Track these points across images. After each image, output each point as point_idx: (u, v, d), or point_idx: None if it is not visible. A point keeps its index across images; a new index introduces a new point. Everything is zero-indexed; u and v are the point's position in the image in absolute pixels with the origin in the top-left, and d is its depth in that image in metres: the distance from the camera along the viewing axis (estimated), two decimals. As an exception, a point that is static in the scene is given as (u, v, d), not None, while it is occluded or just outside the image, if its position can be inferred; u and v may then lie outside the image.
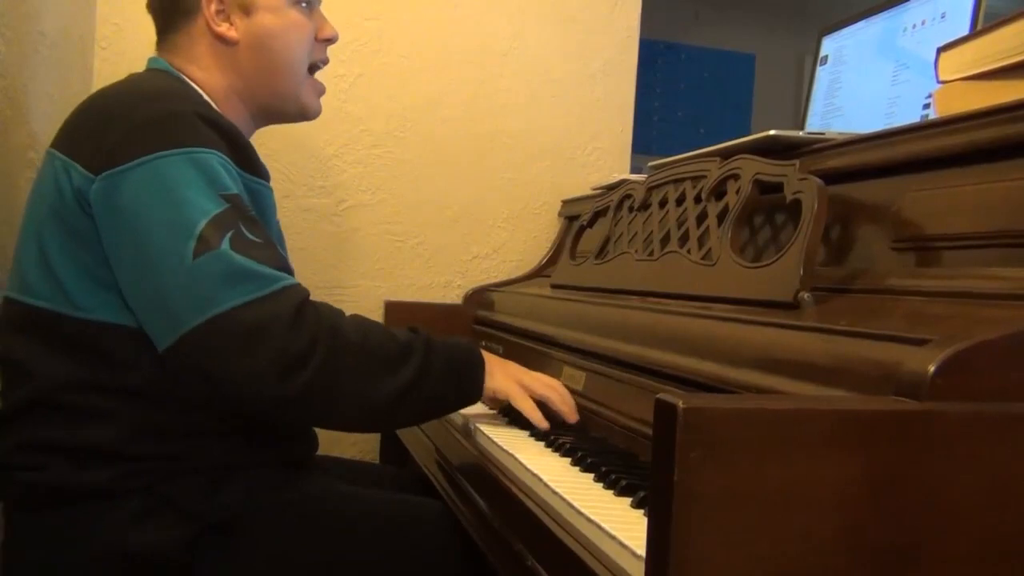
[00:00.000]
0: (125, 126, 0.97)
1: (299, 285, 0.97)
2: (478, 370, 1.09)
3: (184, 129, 0.98)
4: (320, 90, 1.26)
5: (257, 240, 0.96)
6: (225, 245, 0.92)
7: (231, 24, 1.15)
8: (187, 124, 0.98)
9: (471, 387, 1.08)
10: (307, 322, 0.94)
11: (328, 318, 0.97)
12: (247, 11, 1.15)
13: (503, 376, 1.12)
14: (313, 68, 1.24)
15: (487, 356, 1.12)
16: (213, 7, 1.14)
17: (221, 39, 1.15)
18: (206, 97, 1.13)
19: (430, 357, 1.02)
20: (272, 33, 1.17)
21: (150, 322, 0.96)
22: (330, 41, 1.25)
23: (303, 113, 1.25)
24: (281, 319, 0.92)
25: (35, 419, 0.99)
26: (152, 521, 0.97)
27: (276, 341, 0.91)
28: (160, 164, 0.95)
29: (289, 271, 0.99)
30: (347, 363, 0.95)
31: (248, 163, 1.08)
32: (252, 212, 1.00)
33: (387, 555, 1.08)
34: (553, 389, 1.13)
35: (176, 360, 0.94)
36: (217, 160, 0.98)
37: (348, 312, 1.03)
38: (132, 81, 1.10)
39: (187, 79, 1.14)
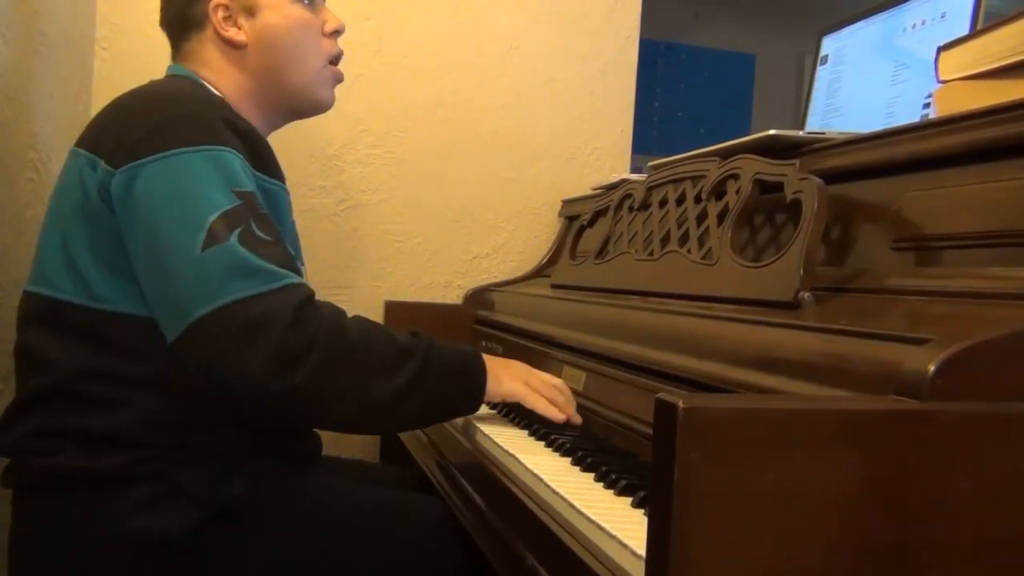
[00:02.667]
0: (148, 124, 1.00)
1: (304, 284, 0.98)
2: (479, 377, 1.09)
3: (204, 129, 1.01)
4: (338, 79, 1.29)
5: (266, 238, 0.97)
6: (233, 239, 0.94)
7: (239, 28, 1.19)
8: (208, 125, 1.01)
9: (471, 393, 1.09)
10: (308, 321, 0.94)
11: (330, 319, 0.97)
12: (251, 13, 1.19)
13: (509, 380, 1.12)
14: (333, 62, 1.28)
15: (490, 361, 1.12)
16: (220, 14, 1.18)
17: (231, 43, 1.19)
18: (226, 100, 1.16)
19: (428, 362, 1.02)
20: (277, 31, 1.20)
21: (161, 314, 0.98)
22: (337, 33, 1.28)
23: (317, 106, 1.28)
24: (282, 316, 0.92)
25: (51, 407, 1.01)
26: (160, 507, 0.99)
27: (274, 337, 0.92)
28: (178, 159, 0.97)
29: (296, 270, 0.99)
30: (344, 364, 0.96)
31: (265, 165, 1.10)
32: (264, 210, 1.02)
33: (387, 548, 1.10)
34: (560, 391, 1.15)
35: (181, 353, 0.95)
36: (235, 159, 1.01)
37: (349, 312, 1.03)
38: (155, 85, 1.14)
39: (206, 84, 1.18)
